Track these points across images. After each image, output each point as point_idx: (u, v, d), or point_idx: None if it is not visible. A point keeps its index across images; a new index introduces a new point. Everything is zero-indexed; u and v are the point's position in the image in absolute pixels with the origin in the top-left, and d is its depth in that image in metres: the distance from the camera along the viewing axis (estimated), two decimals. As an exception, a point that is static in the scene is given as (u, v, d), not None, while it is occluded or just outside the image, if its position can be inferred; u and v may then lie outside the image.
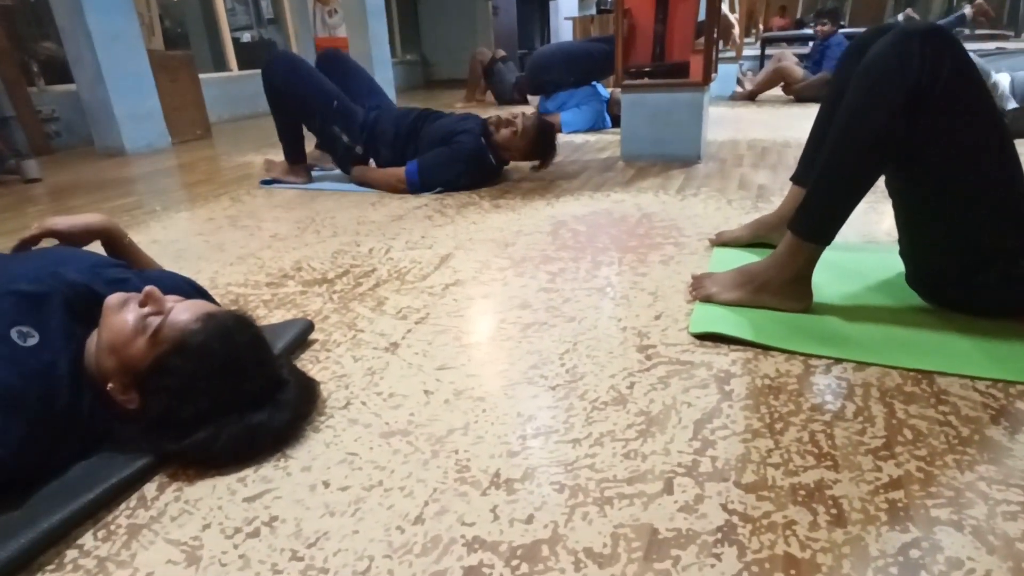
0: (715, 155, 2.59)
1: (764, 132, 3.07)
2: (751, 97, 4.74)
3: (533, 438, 0.81)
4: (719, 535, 0.64)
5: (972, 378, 0.91)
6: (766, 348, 1.00)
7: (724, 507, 0.67)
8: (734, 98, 4.71)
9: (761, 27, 8.00)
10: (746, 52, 6.84)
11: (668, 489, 0.71)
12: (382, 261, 1.53)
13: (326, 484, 0.75)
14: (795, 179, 1.34)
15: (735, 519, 0.66)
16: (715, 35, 2.34)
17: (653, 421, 0.83)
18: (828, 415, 0.83)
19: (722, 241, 1.46)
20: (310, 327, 1.13)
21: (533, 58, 3.80)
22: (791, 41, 7.18)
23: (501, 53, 4.90)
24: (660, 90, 2.38)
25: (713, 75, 2.39)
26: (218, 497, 0.73)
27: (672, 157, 2.44)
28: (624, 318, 1.14)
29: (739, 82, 5.42)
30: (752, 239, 1.42)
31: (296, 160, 2.42)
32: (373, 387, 0.96)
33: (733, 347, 1.02)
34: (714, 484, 0.71)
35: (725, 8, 4.93)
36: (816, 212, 1.06)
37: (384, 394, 0.94)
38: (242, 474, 0.77)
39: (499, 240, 1.63)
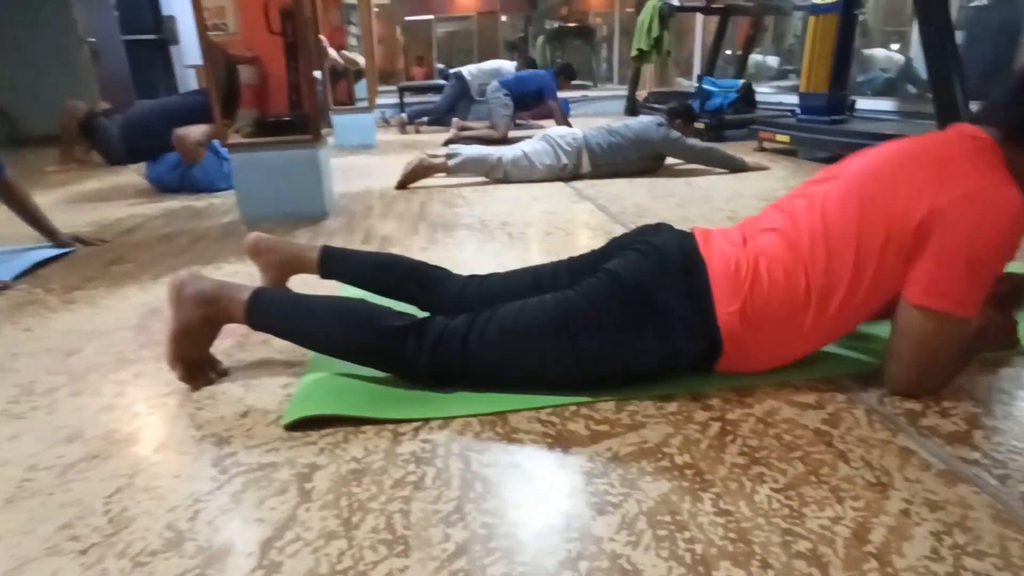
0: (346, 208, 2.58)
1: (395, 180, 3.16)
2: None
3: (35, 644, 0.61)
4: None
5: (536, 409, 1.00)
6: (361, 420, 0.96)
7: (275, 655, 0.58)
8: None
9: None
10: (385, 100, 7.24)
11: (209, 656, 0.58)
12: None
13: None
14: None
15: (285, 667, 0.57)
16: (321, 88, 2.33)
17: (212, 559, 0.70)
18: (408, 488, 0.81)
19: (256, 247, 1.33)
20: None
21: (126, 120, 3.27)
22: (427, 91, 7.87)
23: (104, 105, 4.18)
24: (271, 148, 2.27)
25: (327, 130, 2.37)
26: None
27: (297, 215, 2.34)
28: (205, 424, 0.98)
29: (402, 125, 5.70)
30: (281, 265, 1.32)
31: None
32: None
33: (325, 430, 0.95)
34: (268, 626, 0.61)
35: (355, 56, 5.11)
36: None
37: None
38: None
39: (61, 348, 1.30)
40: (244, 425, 0.97)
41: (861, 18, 4.42)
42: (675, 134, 3.06)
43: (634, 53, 5.41)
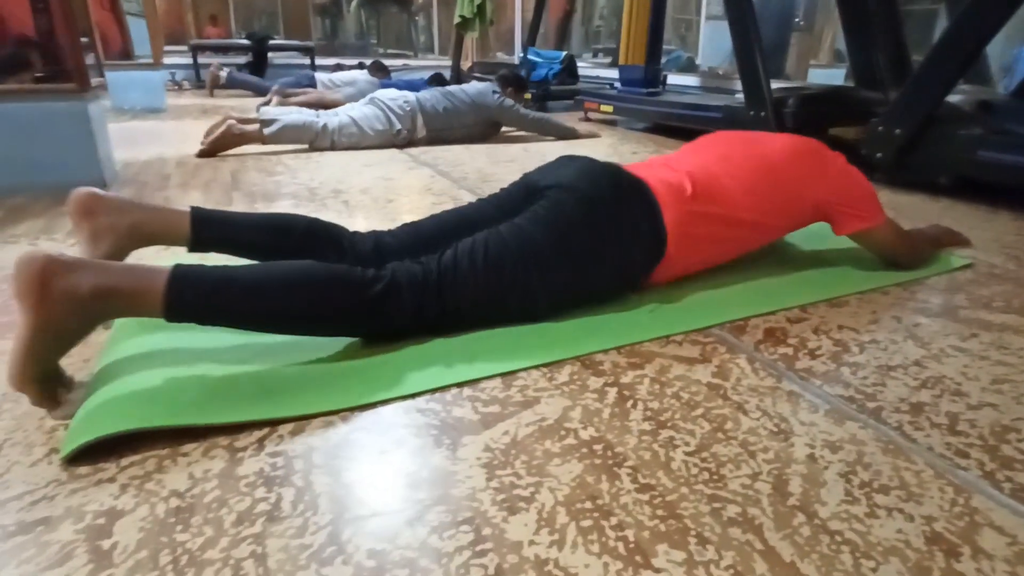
0: (133, 178, 2.12)
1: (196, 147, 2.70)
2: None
3: None
4: None
5: (413, 396, 0.84)
6: (177, 435, 0.72)
7: None
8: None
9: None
10: (176, 60, 6.29)
11: None
12: None
13: None
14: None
15: None
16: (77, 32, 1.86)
17: None
18: (260, 522, 0.61)
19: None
20: None
21: None
22: (225, 50, 6.96)
23: None
24: (15, 98, 1.75)
25: (99, 80, 1.90)
26: None
27: (61, 185, 1.82)
28: (-74, 475, 0.67)
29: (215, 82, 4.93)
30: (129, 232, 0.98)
31: None
32: None
33: (127, 458, 0.70)
34: None
35: None
36: None
37: None
38: None
39: None
40: (-6, 468, 0.68)
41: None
42: (510, 102, 3.00)
43: (457, 20, 5.24)
